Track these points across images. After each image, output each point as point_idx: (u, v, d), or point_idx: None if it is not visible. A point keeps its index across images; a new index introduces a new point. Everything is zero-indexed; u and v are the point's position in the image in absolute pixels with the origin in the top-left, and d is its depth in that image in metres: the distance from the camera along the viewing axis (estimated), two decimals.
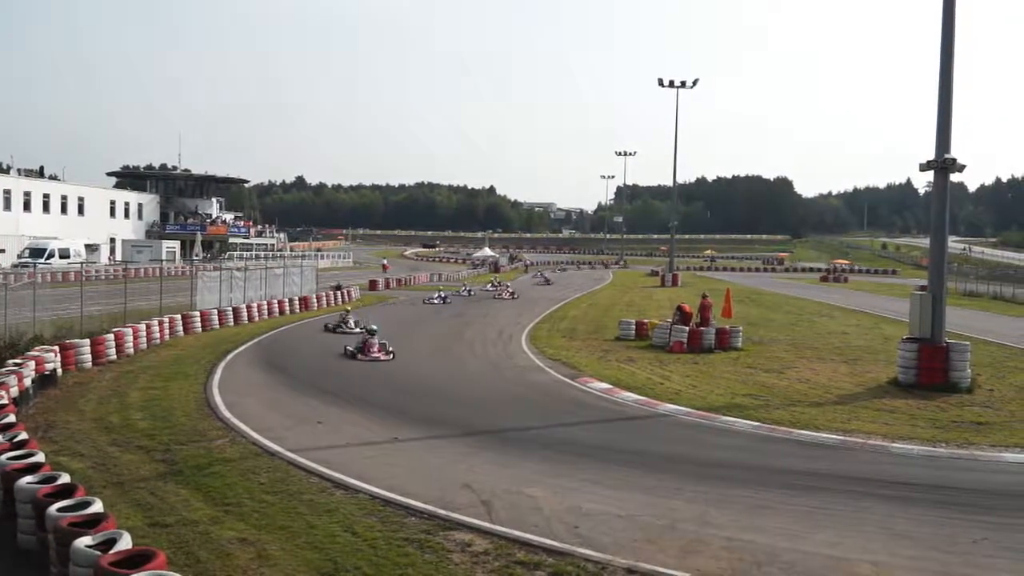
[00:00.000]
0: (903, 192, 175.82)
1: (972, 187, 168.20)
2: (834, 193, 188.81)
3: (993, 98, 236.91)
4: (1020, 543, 7.91)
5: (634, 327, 24.91)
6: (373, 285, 46.03)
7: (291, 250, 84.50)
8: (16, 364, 13.82)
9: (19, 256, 48.91)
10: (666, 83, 57.33)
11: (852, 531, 8.17)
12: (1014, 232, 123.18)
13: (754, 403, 15.15)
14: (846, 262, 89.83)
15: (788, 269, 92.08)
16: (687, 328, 22.69)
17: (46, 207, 60.40)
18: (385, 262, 75.64)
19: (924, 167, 17.22)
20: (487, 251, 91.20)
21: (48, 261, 47.33)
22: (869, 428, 13.15)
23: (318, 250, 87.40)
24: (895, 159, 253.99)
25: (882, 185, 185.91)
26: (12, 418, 10.02)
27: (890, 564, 7.32)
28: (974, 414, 14.39)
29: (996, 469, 10.96)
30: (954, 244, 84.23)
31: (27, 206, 57.99)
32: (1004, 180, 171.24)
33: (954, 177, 17.73)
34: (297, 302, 32.93)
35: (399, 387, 16.43)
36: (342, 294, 37.36)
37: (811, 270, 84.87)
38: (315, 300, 34.55)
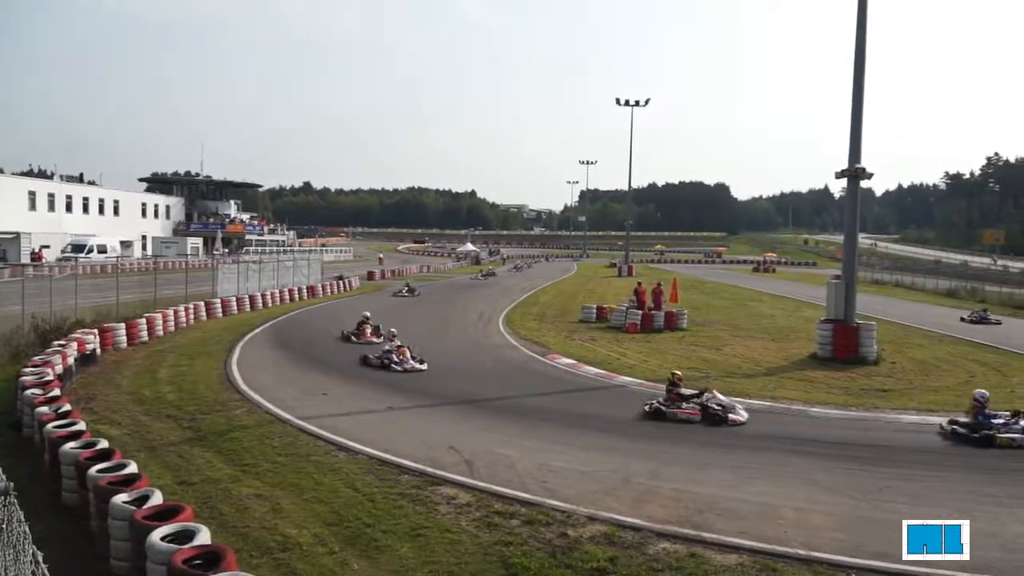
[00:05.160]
0: (822, 196, 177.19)
1: (879, 192, 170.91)
2: (764, 196, 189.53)
3: (897, 117, 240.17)
4: (917, 491, 8.08)
5: (595, 311, 24.96)
6: (371, 276, 45.60)
7: (299, 246, 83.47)
8: (60, 344, 13.64)
9: (62, 251, 47.93)
10: (623, 102, 57.30)
11: (778, 482, 8.30)
12: (912, 231, 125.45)
13: (697, 375, 15.18)
14: (774, 255, 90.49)
15: (725, 261, 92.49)
16: (640, 312, 22.84)
17: (85, 208, 59.00)
18: (381, 256, 74.86)
19: (839, 175, 17.47)
20: (469, 246, 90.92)
21: (88, 255, 46.47)
22: (792, 395, 13.34)
23: (323, 246, 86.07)
24: (815, 168, 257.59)
25: (804, 190, 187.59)
26: (57, 392, 9.89)
27: (809, 509, 7.45)
28: (879, 383, 14.65)
29: (897, 429, 11.15)
30: (863, 240, 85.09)
31: (69, 208, 56.64)
32: (905, 187, 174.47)
33: (864, 183, 18.02)
34: (305, 290, 32.67)
35: None
36: (344, 283, 37.07)
37: (744, 262, 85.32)
38: (320, 288, 34.26)
